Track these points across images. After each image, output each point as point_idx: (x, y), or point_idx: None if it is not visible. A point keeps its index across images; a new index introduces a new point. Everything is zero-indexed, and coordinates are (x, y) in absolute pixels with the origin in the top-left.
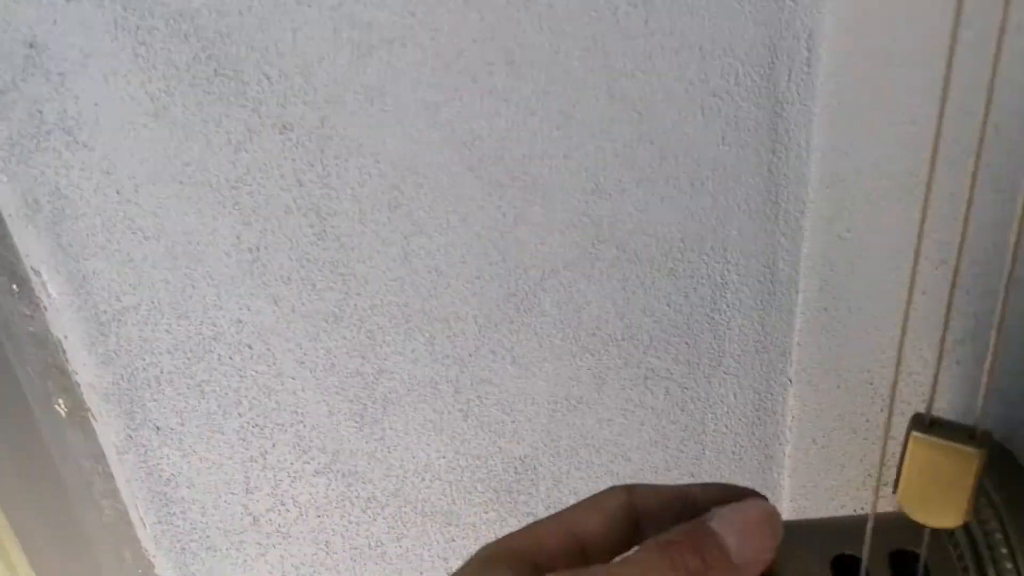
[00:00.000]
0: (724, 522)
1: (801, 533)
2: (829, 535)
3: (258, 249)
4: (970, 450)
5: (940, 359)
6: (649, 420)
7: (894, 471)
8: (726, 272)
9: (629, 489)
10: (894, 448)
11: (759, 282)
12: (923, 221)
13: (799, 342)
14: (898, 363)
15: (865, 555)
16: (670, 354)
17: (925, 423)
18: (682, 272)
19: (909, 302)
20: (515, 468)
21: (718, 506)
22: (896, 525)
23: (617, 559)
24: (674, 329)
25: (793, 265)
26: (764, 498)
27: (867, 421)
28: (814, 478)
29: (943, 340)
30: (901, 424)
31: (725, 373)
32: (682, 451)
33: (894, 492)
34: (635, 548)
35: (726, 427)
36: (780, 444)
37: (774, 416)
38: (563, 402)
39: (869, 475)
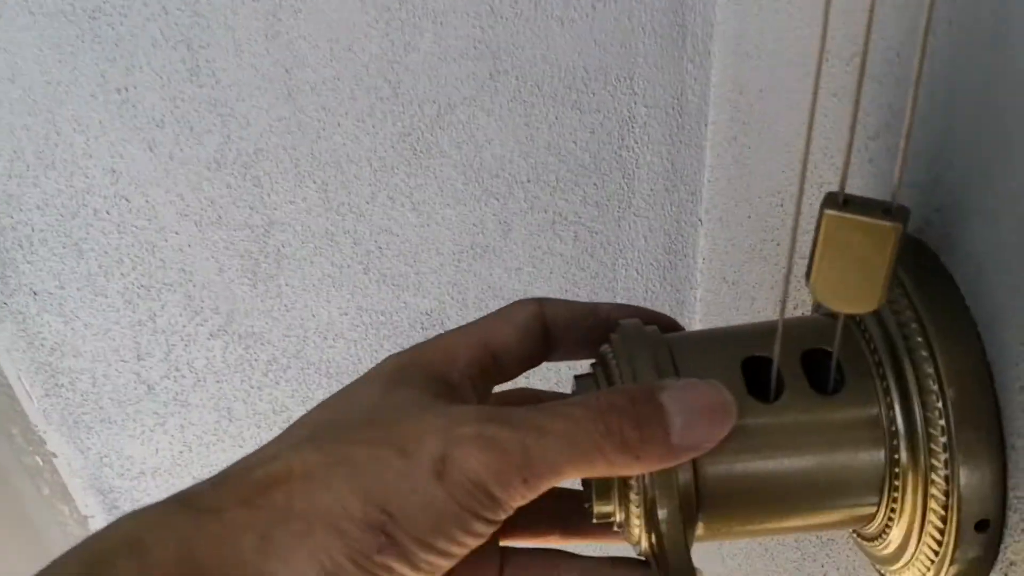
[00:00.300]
0: (675, 398)
1: (709, 340)
2: (739, 340)
3: (126, 89)
4: (886, 224)
5: (852, 133)
6: (558, 267)
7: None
8: (633, 104)
9: (540, 302)
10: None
11: (667, 114)
12: (827, 11)
13: (709, 179)
14: (805, 158)
15: (776, 353)
16: (578, 196)
17: (838, 201)
18: (587, 105)
19: (815, 92)
20: (422, 323)
21: (674, 378)
22: (808, 326)
23: (549, 404)
24: (581, 169)
25: (702, 94)
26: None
27: (778, 246)
28: (726, 317)
29: (854, 116)
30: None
31: (635, 215)
32: (592, 299)
33: (807, 280)
34: (572, 397)
35: (637, 272)
36: (691, 288)
37: (685, 259)
38: (468, 251)
39: (780, 300)
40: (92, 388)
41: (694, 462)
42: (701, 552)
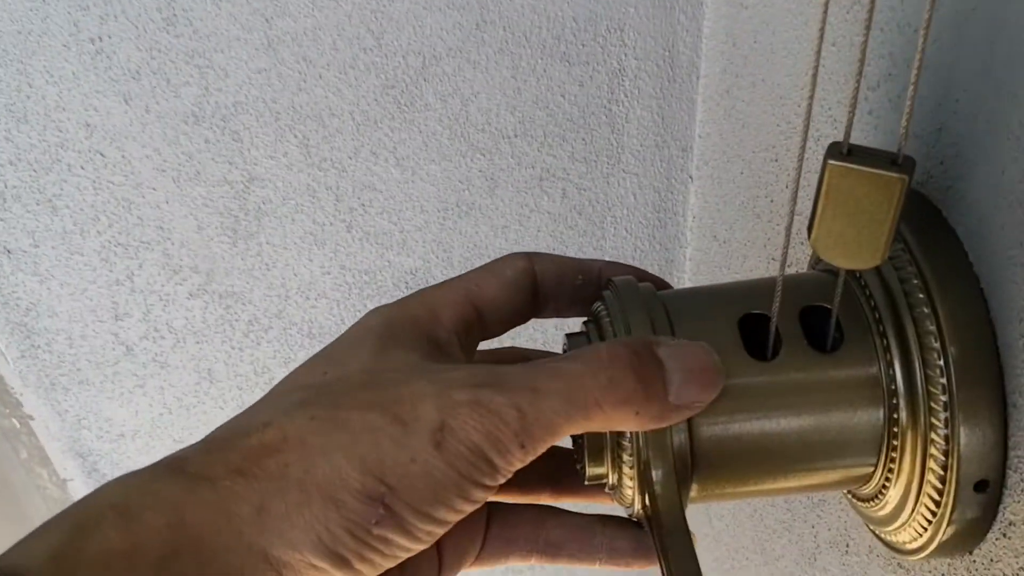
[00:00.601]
0: (673, 357)
1: (706, 297)
2: (736, 297)
3: (100, 39)
4: (892, 175)
5: (858, 82)
6: (546, 225)
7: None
8: (623, 56)
9: (529, 257)
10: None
11: (658, 67)
12: None
13: (700, 133)
14: (810, 102)
15: (775, 310)
16: (566, 151)
17: (842, 151)
18: (576, 57)
19: (819, 50)
20: (406, 283)
21: (667, 336)
22: (807, 283)
23: (544, 362)
24: (569, 123)
25: (693, 47)
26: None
27: (771, 202)
28: (716, 276)
29: (861, 64)
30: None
31: (624, 171)
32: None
33: (809, 234)
34: (567, 353)
35: (626, 230)
36: (681, 247)
37: (675, 217)
38: (454, 208)
39: (772, 259)
40: (69, 349)
41: (689, 422)
42: (688, 514)
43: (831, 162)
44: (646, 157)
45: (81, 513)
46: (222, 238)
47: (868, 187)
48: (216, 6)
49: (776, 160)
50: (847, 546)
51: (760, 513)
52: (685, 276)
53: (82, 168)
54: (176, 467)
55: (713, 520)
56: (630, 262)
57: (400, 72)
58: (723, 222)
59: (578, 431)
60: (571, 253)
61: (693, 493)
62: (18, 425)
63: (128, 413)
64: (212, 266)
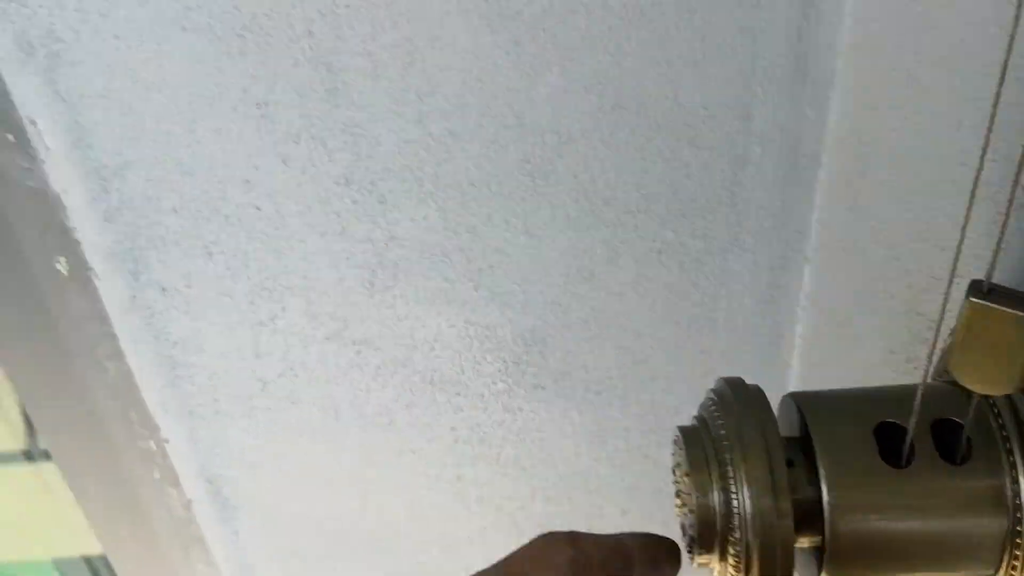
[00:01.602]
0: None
1: (843, 401)
2: (871, 404)
3: (266, 104)
4: None
5: (1007, 220)
6: (661, 295)
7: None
8: (748, 144)
9: (572, 541)
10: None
11: (781, 154)
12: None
13: (819, 219)
14: (963, 234)
15: (912, 423)
16: (686, 228)
17: (983, 290)
18: (703, 142)
19: (980, 168)
20: (524, 339)
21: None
22: (938, 395)
23: None
24: (691, 202)
25: (818, 138)
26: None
27: (891, 298)
28: (825, 358)
29: (1012, 195)
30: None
31: (741, 249)
32: (692, 327)
33: (948, 361)
34: None
35: (739, 305)
36: (792, 324)
37: (788, 295)
38: (575, 274)
39: (891, 352)
40: (209, 382)
41: (828, 517)
42: None
43: (972, 300)
44: (763, 238)
45: None
46: (360, 290)
47: (1006, 325)
48: (374, 82)
49: (897, 260)
50: None
51: None
52: (794, 353)
53: (238, 220)
54: None
55: None
56: (740, 335)
57: (536, 148)
58: (838, 307)
59: None
60: (683, 323)
61: None
62: (155, 447)
63: (257, 443)
64: (348, 314)
